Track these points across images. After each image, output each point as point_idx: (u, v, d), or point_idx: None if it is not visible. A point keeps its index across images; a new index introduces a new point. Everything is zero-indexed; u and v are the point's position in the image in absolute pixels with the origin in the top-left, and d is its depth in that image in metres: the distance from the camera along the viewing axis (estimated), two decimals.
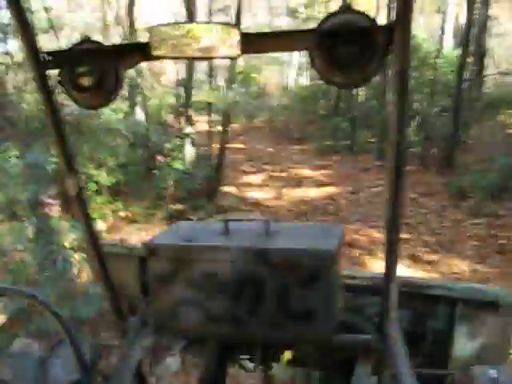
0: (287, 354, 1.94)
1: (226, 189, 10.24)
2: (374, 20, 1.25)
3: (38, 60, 1.41)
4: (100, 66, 1.41)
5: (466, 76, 12.00)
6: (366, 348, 1.85)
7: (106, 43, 1.43)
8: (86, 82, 1.41)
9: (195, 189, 8.59)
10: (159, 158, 9.42)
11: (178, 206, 8.39)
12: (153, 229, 7.85)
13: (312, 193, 10.41)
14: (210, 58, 1.39)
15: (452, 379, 1.74)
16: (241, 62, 26.29)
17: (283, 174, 12.51)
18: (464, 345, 1.92)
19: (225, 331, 1.82)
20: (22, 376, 1.65)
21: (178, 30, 1.29)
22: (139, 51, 1.37)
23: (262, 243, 1.77)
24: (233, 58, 1.41)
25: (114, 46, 1.44)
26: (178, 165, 8.97)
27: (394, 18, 1.23)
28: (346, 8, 1.26)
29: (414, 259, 6.67)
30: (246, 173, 12.71)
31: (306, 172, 12.68)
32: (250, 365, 1.98)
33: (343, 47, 1.25)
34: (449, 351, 1.94)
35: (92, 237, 1.71)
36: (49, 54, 1.41)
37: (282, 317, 1.74)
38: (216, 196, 8.92)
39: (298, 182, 11.54)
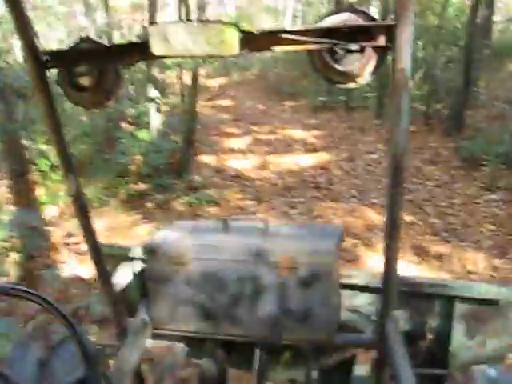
0: (286, 354, 1.98)
1: (203, 158, 8.93)
2: (373, 18, 1.26)
3: (37, 60, 1.39)
4: (99, 66, 1.41)
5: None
6: (365, 347, 1.88)
7: (106, 43, 1.40)
8: (84, 81, 1.42)
9: (163, 163, 7.26)
10: (123, 125, 8.07)
11: (142, 185, 7.11)
12: (111, 214, 6.62)
13: (302, 160, 9.06)
14: (209, 57, 1.35)
15: (451, 378, 1.71)
16: (232, 10, 24.60)
17: (271, 136, 11.11)
18: (463, 343, 1.89)
19: (224, 331, 1.84)
20: (24, 375, 1.59)
21: (176, 29, 1.27)
22: (138, 50, 1.35)
23: (262, 243, 1.78)
24: (233, 57, 1.38)
25: (113, 45, 1.40)
26: (143, 134, 7.61)
27: (394, 17, 1.22)
28: (346, 7, 1.38)
29: (420, 253, 5.43)
30: (229, 135, 11.32)
31: (297, 133, 11.28)
32: (250, 364, 1.94)
33: (342, 46, 1.25)
34: (448, 349, 1.92)
35: (91, 238, 1.68)
36: (48, 53, 1.40)
37: (281, 316, 1.76)
38: (188, 170, 7.60)
39: (288, 147, 10.19)
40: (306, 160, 9.08)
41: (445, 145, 8.91)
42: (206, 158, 9.04)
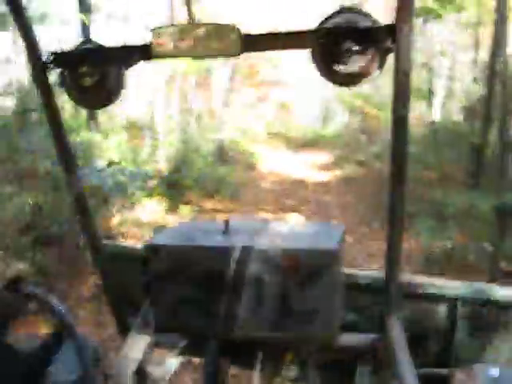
0: (289, 354, 1.90)
1: None
2: (375, 20, 1.24)
3: (39, 61, 1.39)
4: (101, 67, 1.39)
5: None
6: (367, 348, 1.82)
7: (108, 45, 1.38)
8: (87, 82, 1.39)
9: None
10: None
11: None
12: None
13: None
14: (210, 58, 1.38)
15: (453, 378, 1.64)
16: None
17: None
18: (465, 344, 1.85)
19: (225, 331, 1.78)
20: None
21: (179, 31, 1.27)
22: (141, 51, 1.34)
23: (263, 243, 1.74)
24: (233, 56, 1.32)
25: (115, 47, 1.40)
26: None
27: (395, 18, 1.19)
28: (348, 8, 1.25)
29: None
30: None
31: None
32: (251, 364, 1.90)
33: (344, 47, 1.23)
34: (450, 350, 1.87)
35: (93, 237, 1.69)
36: (50, 55, 1.39)
37: (283, 316, 1.70)
38: None
39: None
40: None
41: None
42: None
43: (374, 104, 14.42)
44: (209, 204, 9.79)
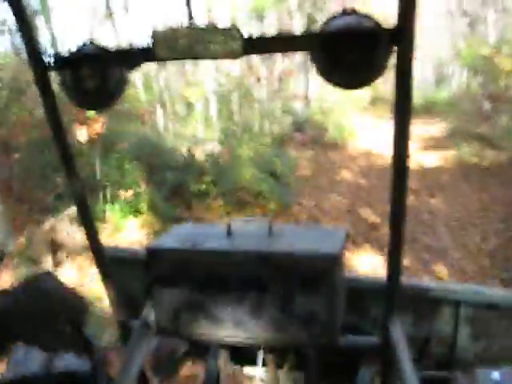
0: (291, 357, 1.89)
1: None
2: (377, 22, 1.19)
3: (40, 62, 1.36)
4: (103, 69, 1.37)
5: None
6: (369, 351, 1.81)
7: (109, 46, 1.34)
8: (88, 84, 1.36)
9: None
10: None
11: None
12: None
13: None
14: (210, 59, 1.34)
15: (455, 381, 1.63)
16: None
17: None
18: (467, 346, 1.85)
19: (227, 334, 1.75)
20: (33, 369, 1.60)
21: (180, 33, 1.25)
22: (142, 53, 1.32)
23: (265, 246, 1.72)
24: (234, 59, 1.31)
25: (117, 49, 1.37)
26: None
27: (398, 20, 1.15)
28: (350, 10, 1.21)
29: None
30: None
31: None
32: (254, 368, 1.90)
33: (346, 49, 1.20)
34: (452, 353, 1.87)
35: (95, 241, 1.67)
36: (51, 56, 1.36)
37: (285, 320, 1.68)
38: None
39: None
40: None
41: None
42: None
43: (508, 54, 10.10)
44: None
